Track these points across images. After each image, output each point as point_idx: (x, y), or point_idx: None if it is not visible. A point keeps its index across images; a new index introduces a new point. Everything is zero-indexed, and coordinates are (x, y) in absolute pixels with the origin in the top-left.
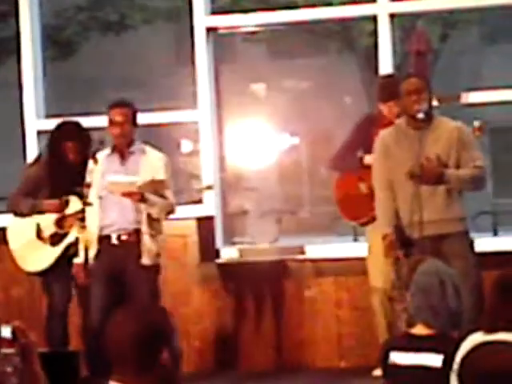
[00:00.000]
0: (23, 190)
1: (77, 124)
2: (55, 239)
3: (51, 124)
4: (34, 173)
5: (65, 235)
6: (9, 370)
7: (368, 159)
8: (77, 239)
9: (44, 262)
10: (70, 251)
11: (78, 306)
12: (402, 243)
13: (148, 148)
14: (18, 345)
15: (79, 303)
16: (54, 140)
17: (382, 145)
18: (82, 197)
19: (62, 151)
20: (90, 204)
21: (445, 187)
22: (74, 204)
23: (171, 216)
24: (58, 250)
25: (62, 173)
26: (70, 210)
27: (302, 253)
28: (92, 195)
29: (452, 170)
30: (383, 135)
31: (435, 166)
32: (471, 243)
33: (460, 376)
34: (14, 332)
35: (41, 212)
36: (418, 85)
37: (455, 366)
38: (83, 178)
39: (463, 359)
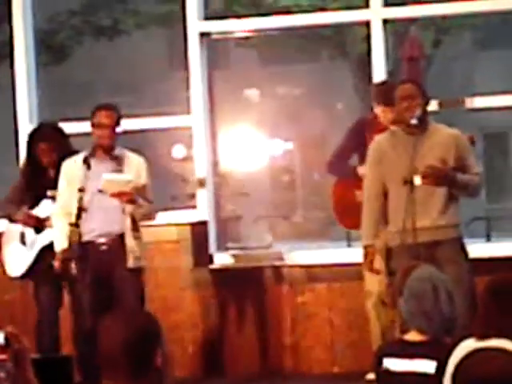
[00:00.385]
0: (11, 196)
1: (52, 126)
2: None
3: None
4: (19, 179)
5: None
6: (1, 375)
7: (361, 170)
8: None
9: (22, 267)
10: (45, 255)
11: (70, 311)
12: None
13: (128, 152)
14: (11, 351)
15: (71, 309)
16: (29, 143)
17: (376, 151)
18: (56, 201)
19: (35, 153)
20: (84, 209)
21: (443, 193)
22: (47, 208)
23: (155, 221)
24: (32, 254)
25: (35, 176)
26: (43, 214)
27: (281, 259)
28: (86, 200)
29: (461, 174)
30: (378, 140)
31: (447, 168)
32: (465, 249)
33: (454, 383)
34: (6, 338)
35: (13, 221)
36: (411, 91)
37: (449, 372)
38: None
39: (457, 366)
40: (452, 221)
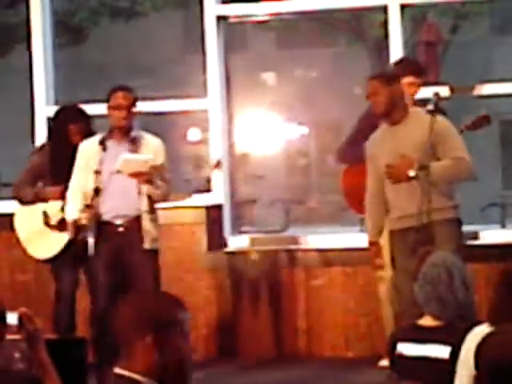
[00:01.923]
0: (27, 178)
1: (77, 107)
2: (63, 225)
3: None
4: (38, 160)
5: None
6: (16, 355)
7: None
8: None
9: (53, 249)
10: (79, 236)
11: (88, 292)
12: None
13: (146, 134)
14: (25, 332)
15: (89, 289)
16: (58, 124)
17: (370, 149)
18: None
19: (65, 134)
20: (100, 190)
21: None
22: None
23: (170, 204)
24: (66, 235)
25: (65, 156)
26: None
27: (296, 243)
28: (103, 182)
29: (436, 162)
30: (371, 138)
31: (405, 163)
32: (458, 231)
33: (477, 368)
34: (20, 319)
35: (44, 200)
36: (373, 88)
37: (469, 357)
38: None
39: (476, 350)
40: (445, 203)
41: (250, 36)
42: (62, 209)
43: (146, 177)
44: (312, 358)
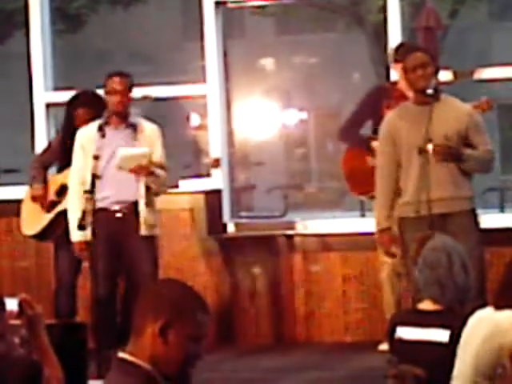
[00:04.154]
0: (41, 158)
1: (91, 92)
2: (50, 207)
3: (59, 97)
4: (55, 143)
5: (57, 203)
6: (16, 340)
7: (375, 144)
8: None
9: (35, 227)
10: (60, 219)
11: (90, 278)
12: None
13: (142, 120)
14: (25, 317)
15: (90, 275)
16: (68, 109)
17: (388, 132)
18: None
19: (72, 119)
20: (98, 177)
21: (455, 166)
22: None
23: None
24: (48, 216)
25: (70, 141)
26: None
27: (292, 228)
28: (100, 168)
29: (469, 150)
30: (388, 119)
31: (453, 143)
32: (477, 221)
33: None
34: (20, 304)
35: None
36: (424, 59)
37: (472, 342)
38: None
39: None
40: (465, 192)
41: (249, 22)
42: (56, 192)
43: (146, 170)
44: (311, 343)
